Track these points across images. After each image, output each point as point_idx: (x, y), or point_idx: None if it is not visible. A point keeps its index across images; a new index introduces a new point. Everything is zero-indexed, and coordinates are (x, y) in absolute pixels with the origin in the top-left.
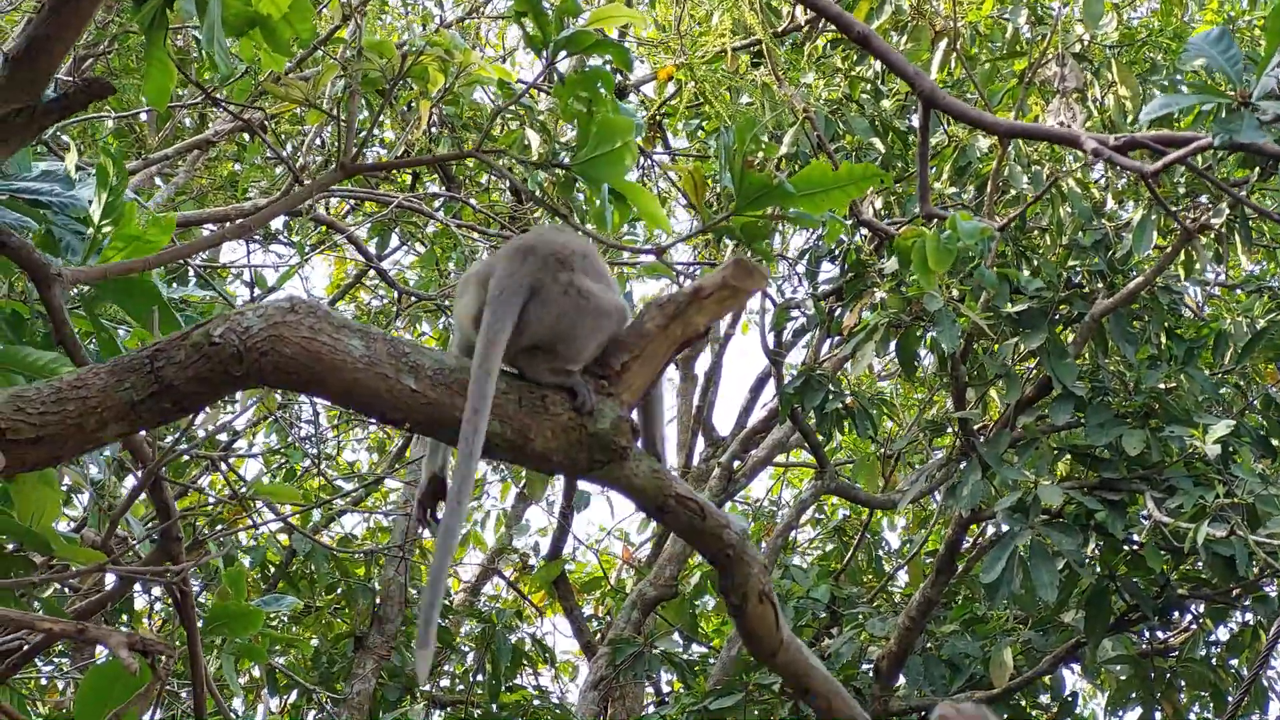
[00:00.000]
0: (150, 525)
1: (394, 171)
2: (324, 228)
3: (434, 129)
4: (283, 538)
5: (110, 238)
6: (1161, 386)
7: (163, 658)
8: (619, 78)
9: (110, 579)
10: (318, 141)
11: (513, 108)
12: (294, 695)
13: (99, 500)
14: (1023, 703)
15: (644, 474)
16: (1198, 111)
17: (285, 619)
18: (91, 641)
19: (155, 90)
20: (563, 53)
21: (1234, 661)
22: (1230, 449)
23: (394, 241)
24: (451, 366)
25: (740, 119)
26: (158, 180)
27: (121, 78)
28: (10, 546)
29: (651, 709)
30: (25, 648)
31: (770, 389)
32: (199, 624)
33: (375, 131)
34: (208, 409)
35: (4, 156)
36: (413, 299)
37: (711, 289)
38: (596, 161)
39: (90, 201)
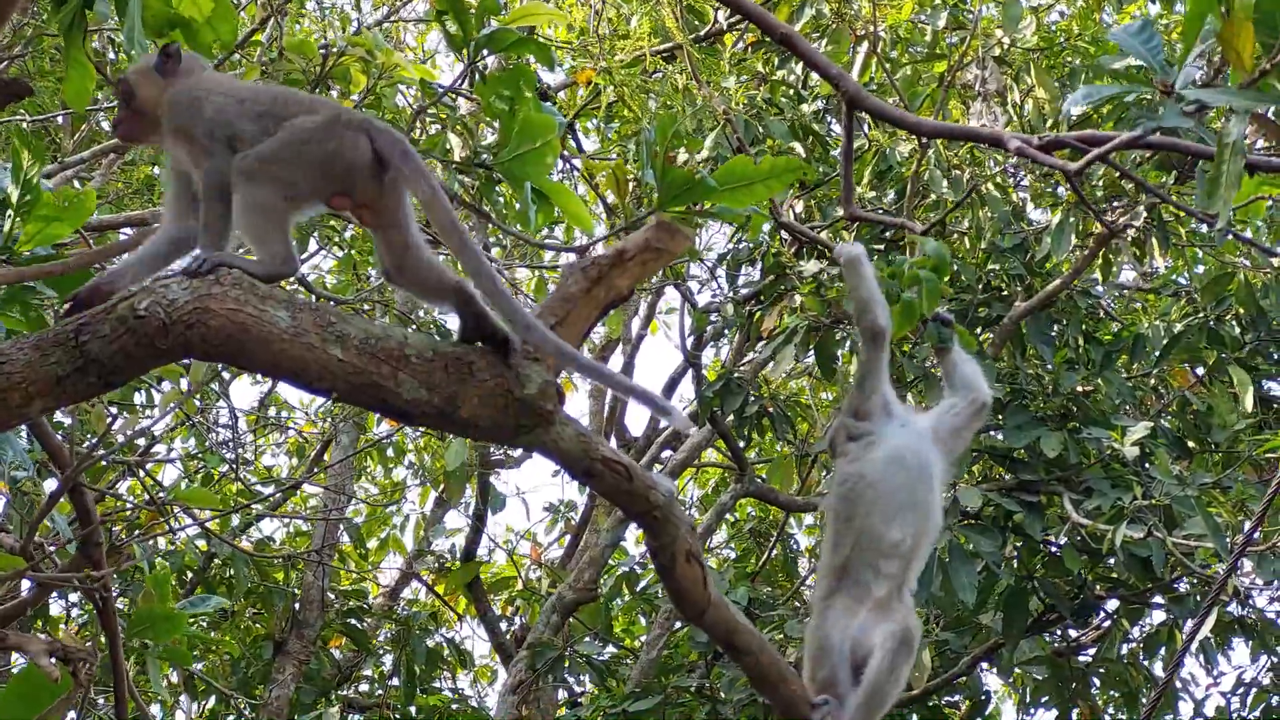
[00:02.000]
0: (73, 527)
1: None
2: None
3: None
4: (200, 542)
5: (28, 219)
6: (1080, 389)
7: (84, 664)
8: (540, 80)
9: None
10: None
11: (434, 109)
12: (212, 700)
13: (17, 503)
14: (938, 703)
15: (570, 438)
16: (1119, 112)
17: (204, 624)
18: (12, 648)
19: (74, 92)
20: (484, 51)
21: (1146, 662)
22: (1147, 450)
23: (312, 245)
24: (378, 335)
25: (661, 117)
26: (75, 184)
27: (38, 79)
28: None
29: (565, 712)
30: None
31: (683, 389)
32: (120, 628)
33: None
34: (125, 415)
35: None
36: (331, 303)
37: (635, 250)
38: (519, 160)
39: (7, 187)
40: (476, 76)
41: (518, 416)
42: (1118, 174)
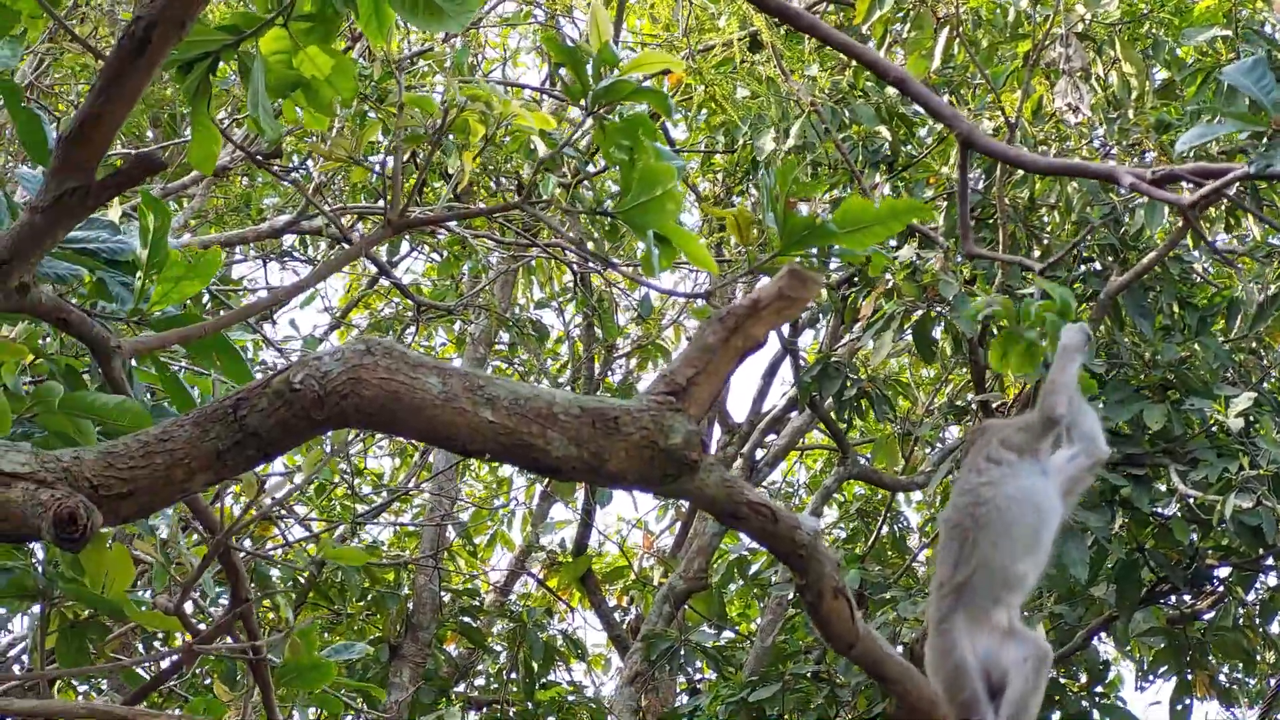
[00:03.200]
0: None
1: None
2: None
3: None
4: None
5: (156, 282)
6: (1178, 357)
7: None
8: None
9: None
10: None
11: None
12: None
13: (167, 563)
14: (1055, 676)
15: (715, 484)
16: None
17: (319, 627)
18: None
19: (201, 156)
20: (601, 102)
21: (1262, 626)
22: (1251, 419)
23: (404, 246)
24: (526, 395)
25: (781, 167)
26: (172, 205)
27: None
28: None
29: (684, 699)
30: None
31: (783, 373)
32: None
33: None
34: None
35: (62, 234)
36: (427, 309)
37: (769, 300)
38: (641, 209)
39: (136, 248)
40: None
41: (664, 467)
42: (1230, 204)
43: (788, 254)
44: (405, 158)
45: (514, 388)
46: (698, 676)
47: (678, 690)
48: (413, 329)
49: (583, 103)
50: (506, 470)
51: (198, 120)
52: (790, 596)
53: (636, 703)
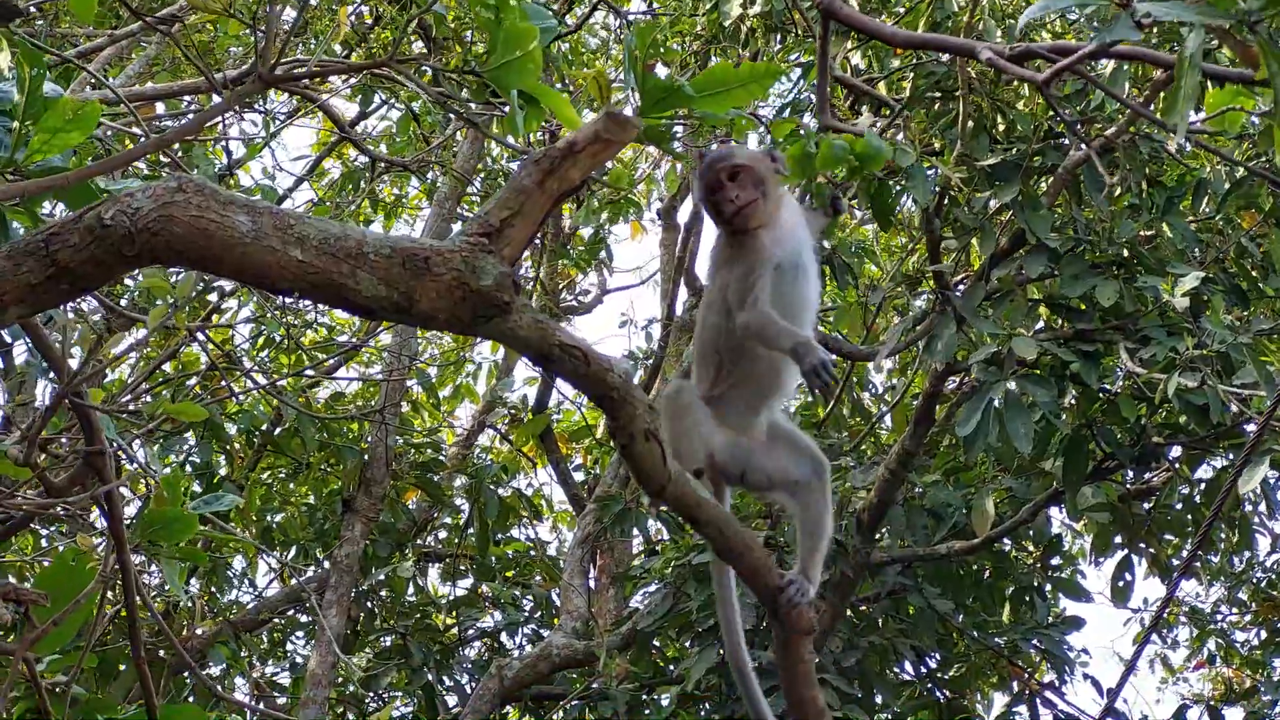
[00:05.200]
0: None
1: (375, 33)
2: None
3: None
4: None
5: (34, 131)
6: (1143, 234)
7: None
8: None
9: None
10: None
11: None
12: (293, 551)
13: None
14: (1010, 549)
15: (527, 325)
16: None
17: (281, 475)
18: None
19: (80, 3)
20: None
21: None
22: (1205, 298)
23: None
24: (336, 235)
25: (639, 26)
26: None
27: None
28: None
29: (640, 561)
30: None
31: None
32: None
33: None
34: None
35: None
36: (384, 164)
37: (584, 143)
38: (506, 68)
39: (15, 97)
40: None
41: (475, 308)
42: (1086, 83)
43: (647, 115)
44: (280, 10)
45: (325, 226)
46: (659, 539)
47: (635, 551)
48: (372, 181)
49: None
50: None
51: None
52: None
53: (590, 562)
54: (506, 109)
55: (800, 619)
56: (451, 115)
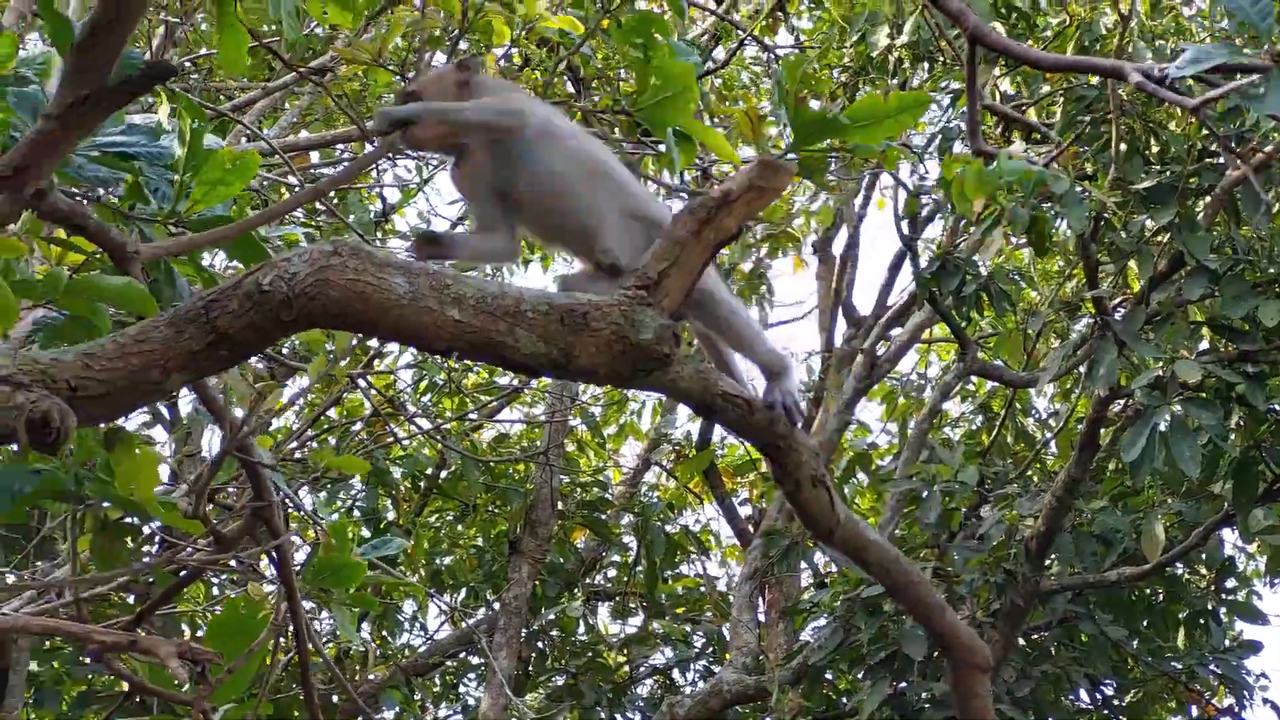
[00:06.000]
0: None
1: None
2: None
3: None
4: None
5: (195, 183)
6: None
7: (212, 664)
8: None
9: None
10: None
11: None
12: (462, 594)
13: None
14: (1182, 573)
15: (689, 377)
16: None
17: (449, 520)
18: (142, 652)
19: (230, 57)
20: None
21: None
22: None
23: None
24: (494, 293)
25: (788, 61)
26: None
27: (200, 47)
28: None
29: (809, 594)
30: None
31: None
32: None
33: None
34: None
35: (76, 141)
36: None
37: (740, 192)
38: (659, 106)
39: (176, 151)
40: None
41: (635, 362)
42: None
43: (800, 149)
44: (429, 57)
45: (481, 286)
46: (826, 571)
47: (804, 584)
48: None
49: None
50: None
51: (225, 21)
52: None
53: (758, 597)
54: (658, 147)
55: (955, 631)
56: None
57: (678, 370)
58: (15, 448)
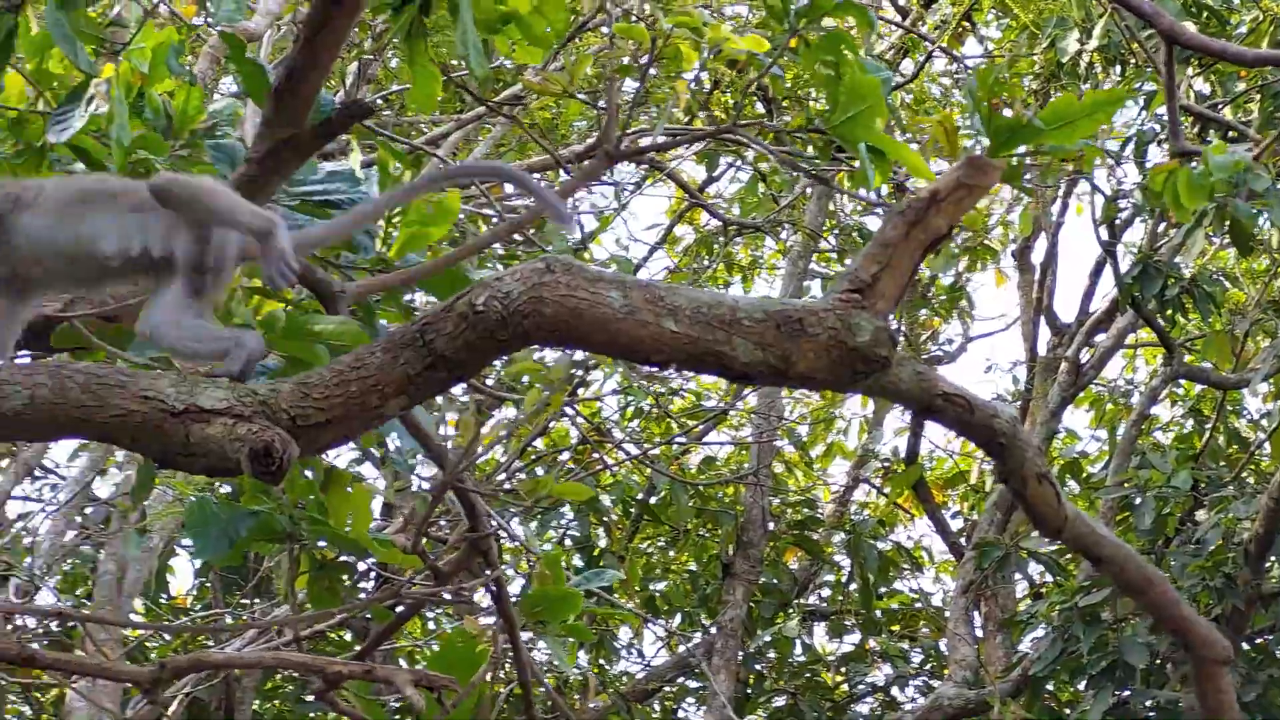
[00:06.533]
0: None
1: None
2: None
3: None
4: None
5: (399, 227)
6: None
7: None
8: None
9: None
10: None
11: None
12: (677, 619)
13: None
14: None
15: (908, 378)
16: None
17: (661, 545)
18: (379, 681)
19: (422, 96)
20: (804, 20)
21: None
22: None
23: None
24: (709, 303)
25: (980, 70)
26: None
27: (391, 84)
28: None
29: (1026, 605)
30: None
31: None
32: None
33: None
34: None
35: (278, 184)
36: (736, 227)
37: (947, 190)
38: (851, 123)
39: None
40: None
41: (853, 365)
42: None
43: (996, 155)
44: (618, 85)
45: (696, 296)
46: (1041, 581)
47: (1019, 595)
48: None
49: (785, 21)
50: None
51: (416, 59)
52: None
53: (973, 610)
54: (851, 163)
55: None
56: (797, 173)
57: (896, 372)
58: (230, 489)
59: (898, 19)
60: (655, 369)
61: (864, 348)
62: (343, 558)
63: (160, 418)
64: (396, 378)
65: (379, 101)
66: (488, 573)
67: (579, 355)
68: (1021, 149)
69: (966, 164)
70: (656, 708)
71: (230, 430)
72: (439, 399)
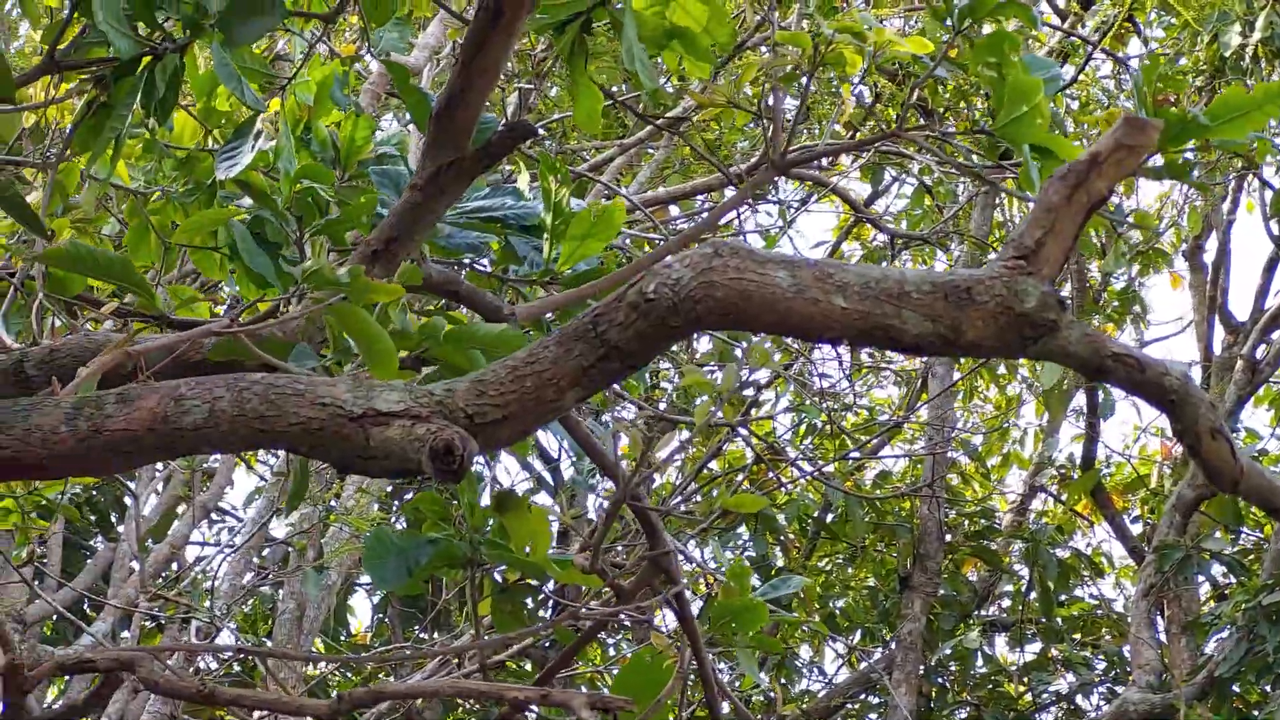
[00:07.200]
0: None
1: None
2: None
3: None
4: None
5: (563, 240)
6: None
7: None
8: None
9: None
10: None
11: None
12: (857, 635)
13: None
14: None
15: (1077, 339)
16: None
17: (839, 561)
18: (555, 705)
19: (585, 114)
20: (966, 20)
21: None
22: None
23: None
24: (876, 278)
25: (1145, 65)
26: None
27: (554, 106)
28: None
29: (1209, 606)
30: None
31: None
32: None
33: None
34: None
35: (443, 209)
36: (903, 240)
37: (1107, 152)
38: (1016, 124)
39: (541, 211)
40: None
41: (1021, 331)
42: None
43: (1164, 151)
44: (783, 96)
45: (863, 271)
46: (1224, 581)
47: (1203, 598)
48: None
49: (949, 22)
50: (1014, 388)
51: (577, 80)
52: None
53: (1155, 614)
54: (1018, 168)
55: None
56: (963, 183)
57: (1065, 335)
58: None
59: (1057, 22)
60: (827, 344)
61: (1032, 312)
62: (525, 581)
63: (339, 423)
64: (571, 370)
65: (540, 129)
66: (668, 590)
67: (751, 375)
68: (1190, 145)
69: (1124, 124)
70: None
71: (409, 431)
72: (610, 421)
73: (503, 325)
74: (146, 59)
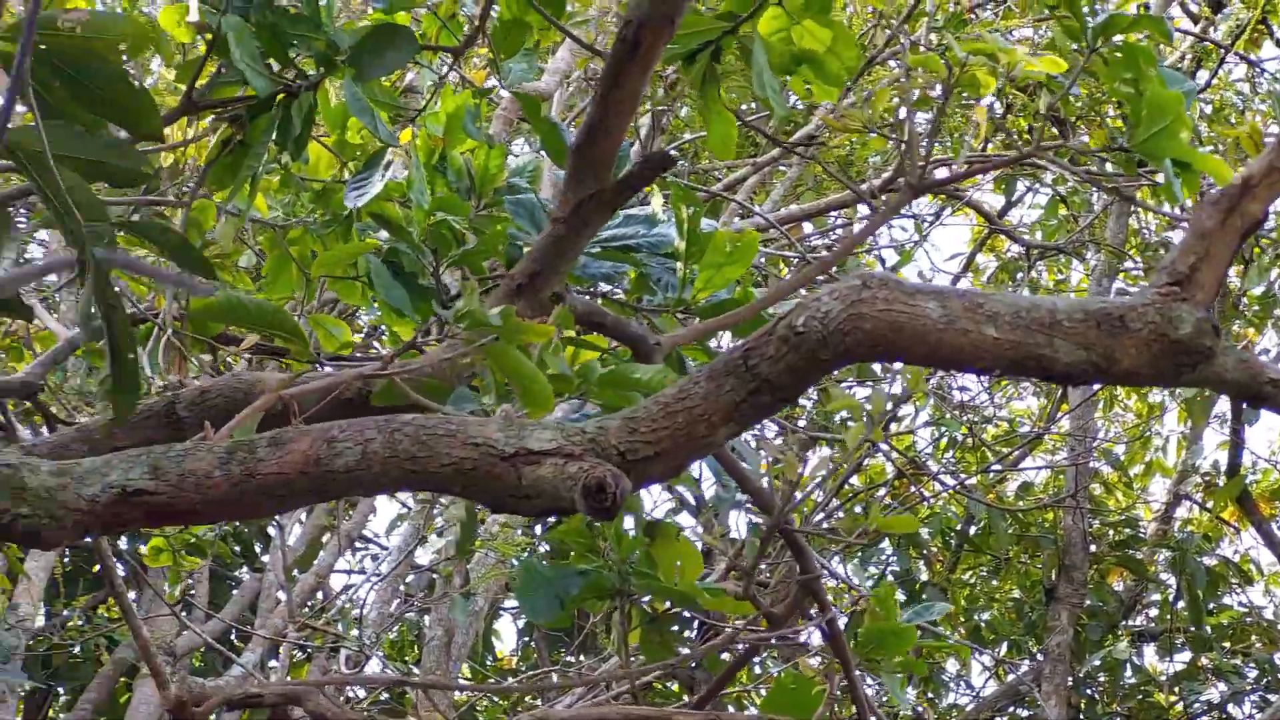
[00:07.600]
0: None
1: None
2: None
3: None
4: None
5: (698, 269)
6: None
7: None
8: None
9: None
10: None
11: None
12: (1004, 648)
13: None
14: None
15: (1233, 366)
16: None
17: (983, 574)
18: None
19: (719, 141)
20: (1100, 38)
21: None
22: None
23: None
24: (1026, 307)
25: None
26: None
27: (684, 133)
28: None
29: None
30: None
31: None
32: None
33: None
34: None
35: (585, 241)
36: (1038, 251)
37: (1260, 175)
38: (1154, 139)
39: (675, 239)
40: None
41: (1176, 358)
42: None
43: None
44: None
45: (1013, 301)
46: None
47: None
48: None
49: (1082, 42)
50: (1156, 395)
51: (710, 107)
52: None
53: None
54: (1154, 178)
55: None
56: (1096, 193)
57: (1221, 362)
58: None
59: (1188, 25)
60: (977, 374)
61: (1187, 339)
62: (674, 609)
63: (491, 463)
64: (723, 405)
65: (675, 152)
66: (819, 614)
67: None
68: None
69: (1278, 146)
70: None
71: (561, 470)
72: (752, 440)
73: (658, 368)
74: (281, 96)
